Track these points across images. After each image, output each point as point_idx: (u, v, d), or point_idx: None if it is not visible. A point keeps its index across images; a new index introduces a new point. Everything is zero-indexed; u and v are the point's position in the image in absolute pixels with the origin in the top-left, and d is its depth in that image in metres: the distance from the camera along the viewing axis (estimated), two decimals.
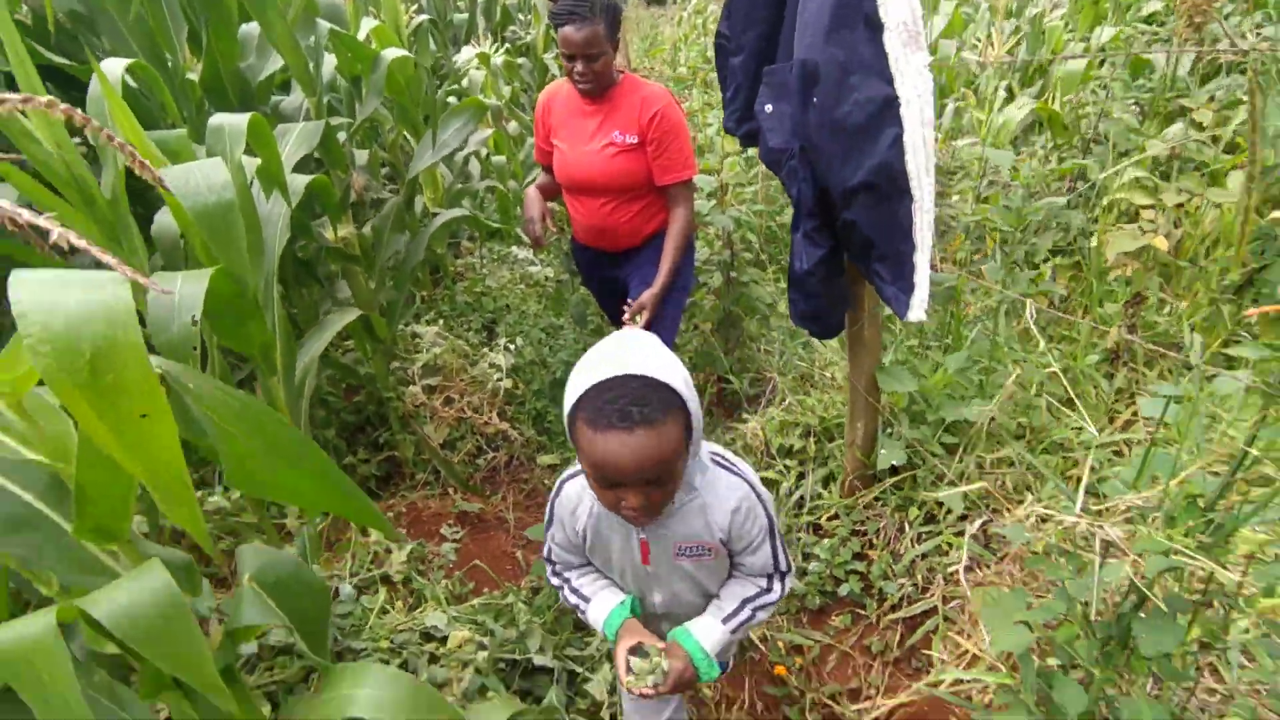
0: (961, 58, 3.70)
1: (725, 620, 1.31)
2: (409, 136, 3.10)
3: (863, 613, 2.08)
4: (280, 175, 1.63)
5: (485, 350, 3.11)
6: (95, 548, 0.78)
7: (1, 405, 0.68)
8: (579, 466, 1.27)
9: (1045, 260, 2.56)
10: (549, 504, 1.38)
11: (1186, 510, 0.80)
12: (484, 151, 4.11)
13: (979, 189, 2.34)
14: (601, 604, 1.37)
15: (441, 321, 3.24)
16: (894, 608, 2.03)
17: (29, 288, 0.55)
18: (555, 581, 1.44)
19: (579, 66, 2.09)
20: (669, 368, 1.10)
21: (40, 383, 0.71)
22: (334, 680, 0.87)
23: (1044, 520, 1.19)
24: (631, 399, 1.06)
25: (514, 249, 4.22)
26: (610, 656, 1.96)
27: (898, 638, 1.98)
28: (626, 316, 2.21)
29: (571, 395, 1.12)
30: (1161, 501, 0.85)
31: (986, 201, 2.37)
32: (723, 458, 1.29)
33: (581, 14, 2.02)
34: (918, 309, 1.49)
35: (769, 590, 1.33)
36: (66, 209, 1.20)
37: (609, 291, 2.62)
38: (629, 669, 1.25)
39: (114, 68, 1.45)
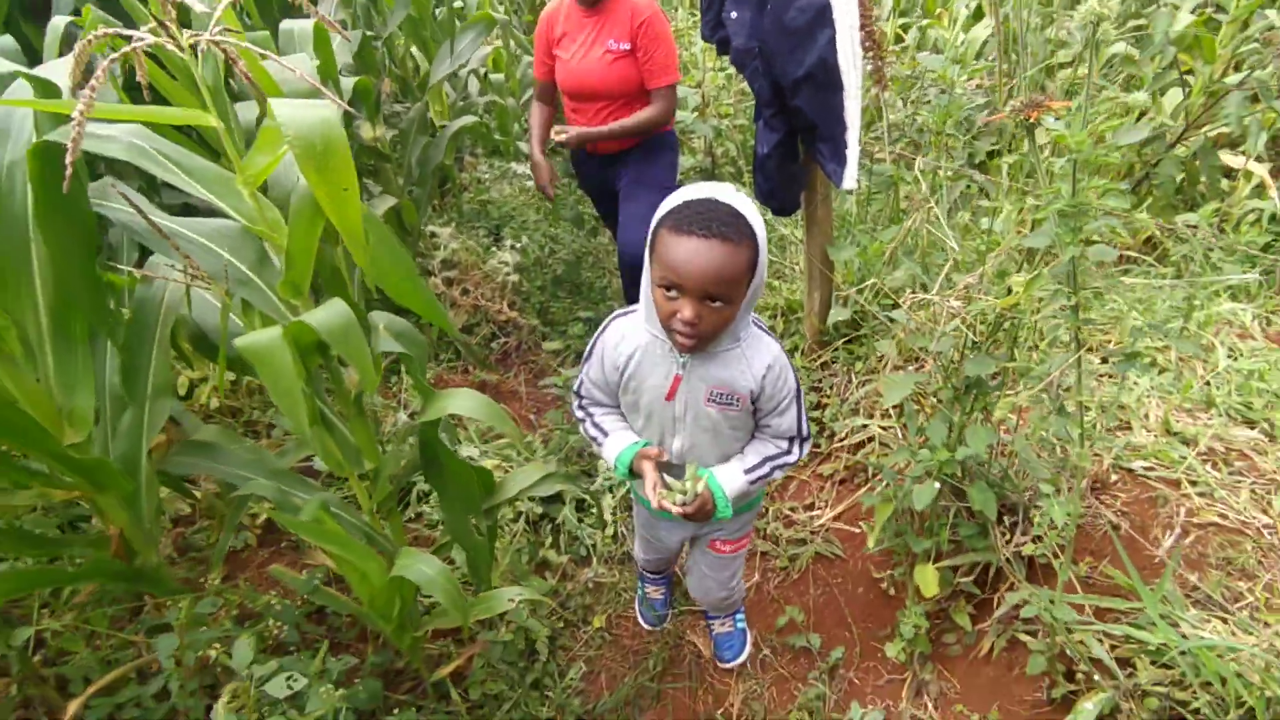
0: None
1: (747, 471, 1.40)
2: (415, 51, 3.44)
3: (818, 449, 2.57)
4: (335, 75, 2.00)
5: (494, 250, 3.52)
6: (286, 298, 1.22)
7: (244, 192, 1.11)
8: (631, 307, 1.40)
9: (986, 158, 2.98)
10: (592, 340, 1.45)
11: (997, 279, 1.24)
12: (482, 70, 4.42)
13: (921, 94, 2.73)
14: (618, 439, 1.44)
15: (453, 225, 3.64)
16: (842, 440, 2.52)
17: (285, 109, 0.97)
18: (579, 414, 1.52)
19: None
20: (754, 213, 1.18)
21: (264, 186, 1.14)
22: (437, 398, 1.34)
23: (921, 306, 1.64)
24: (716, 217, 1.14)
25: (513, 165, 4.57)
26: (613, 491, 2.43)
27: (843, 463, 2.48)
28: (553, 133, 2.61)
29: (660, 212, 1.21)
30: (982, 278, 1.30)
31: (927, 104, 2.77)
32: (761, 324, 1.36)
33: None
34: (849, 179, 1.91)
35: (789, 452, 1.42)
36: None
37: (604, 194, 2.99)
38: (664, 485, 1.35)
39: None
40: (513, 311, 3.34)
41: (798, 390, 1.39)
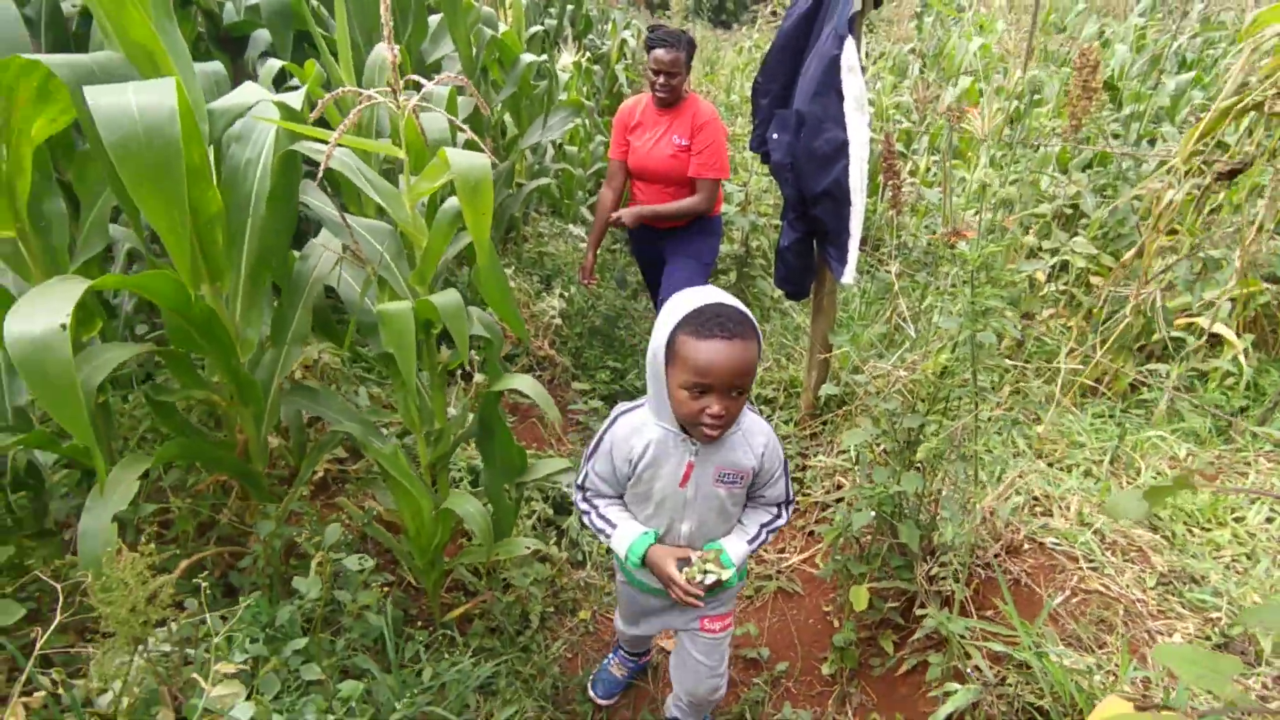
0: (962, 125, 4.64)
1: (749, 541, 1.56)
2: (507, 118, 4.08)
3: (798, 504, 2.97)
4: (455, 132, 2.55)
5: (544, 294, 4.04)
6: (413, 284, 1.71)
7: (407, 204, 1.61)
8: (633, 403, 1.53)
9: None
10: (598, 437, 1.55)
11: (935, 355, 1.70)
12: (558, 141, 5.08)
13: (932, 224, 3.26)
14: (627, 529, 1.54)
15: (512, 268, 4.18)
16: (816, 500, 2.92)
17: (455, 154, 1.48)
18: (584, 506, 1.61)
19: (661, 80, 2.96)
20: (749, 313, 1.35)
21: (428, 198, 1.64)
22: (503, 377, 1.80)
23: (879, 375, 2.08)
24: (731, 318, 1.28)
25: (570, 226, 5.17)
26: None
27: (814, 517, 2.87)
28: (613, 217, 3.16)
29: (671, 320, 1.32)
30: (925, 355, 1.75)
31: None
32: (751, 405, 1.52)
33: (671, 42, 2.93)
34: (849, 275, 2.40)
35: (779, 517, 1.60)
36: None
37: (652, 262, 3.52)
38: (689, 563, 1.48)
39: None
40: (551, 350, 3.83)
41: (785, 461, 1.56)
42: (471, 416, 1.97)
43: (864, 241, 2.52)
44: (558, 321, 3.89)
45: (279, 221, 1.63)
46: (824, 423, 3.09)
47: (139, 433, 1.99)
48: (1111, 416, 3.03)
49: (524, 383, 1.80)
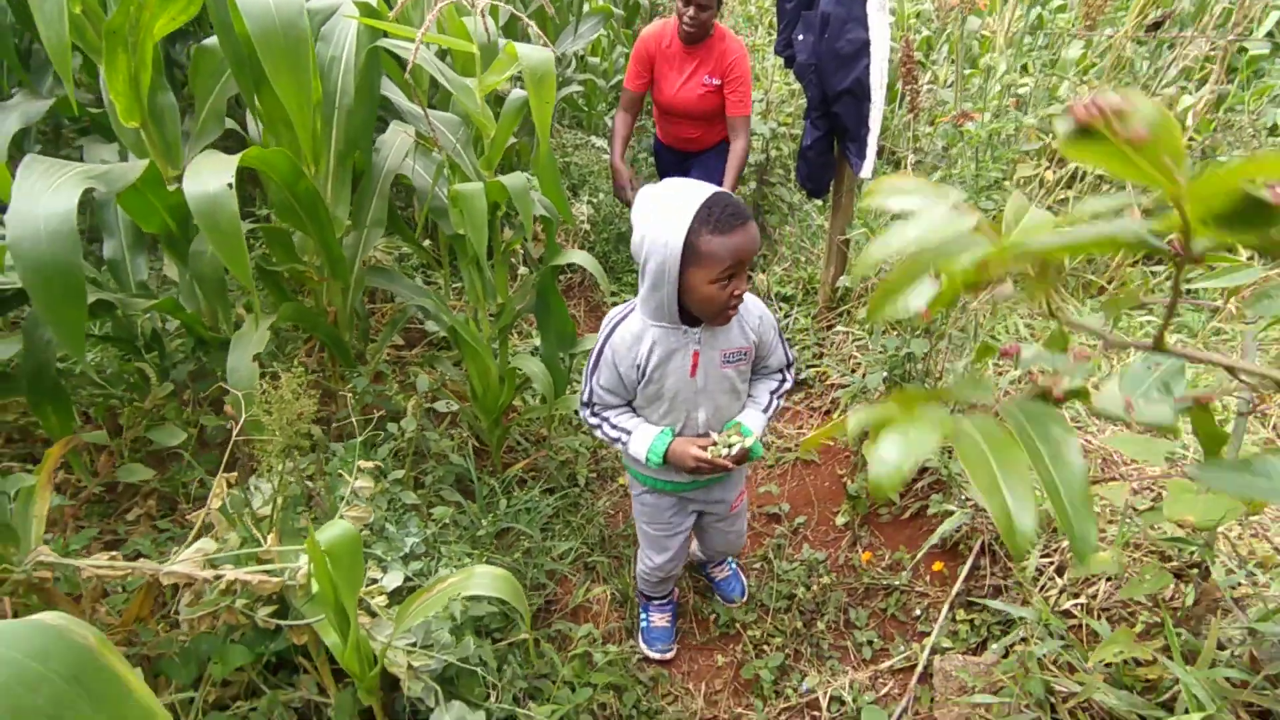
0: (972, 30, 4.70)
1: (764, 411, 1.67)
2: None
3: (813, 389, 3.26)
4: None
5: (572, 201, 4.25)
6: (483, 169, 1.95)
7: (478, 96, 1.83)
8: (624, 308, 1.60)
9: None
10: (596, 350, 1.59)
11: None
12: (581, 52, 5.17)
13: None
14: (644, 432, 1.60)
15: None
16: (832, 385, 3.20)
17: (524, 49, 1.69)
18: (593, 420, 1.66)
19: (691, 12, 2.82)
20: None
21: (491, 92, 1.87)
22: (559, 252, 2.07)
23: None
24: (736, 206, 1.37)
25: (592, 138, 5.32)
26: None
27: (830, 398, 3.16)
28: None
29: (680, 224, 1.35)
30: None
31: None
32: (769, 299, 1.84)
33: None
34: (867, 169, 2.61)
35: (784, 380, 1.72)
36: None
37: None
38: (714, 443, 1.57)
39: None
40: (581, 252, 4.07)
41: (777, 327, 1.66)
42: (530, 293, 2.24)
43: (881, 149, 2.71)
44: (586, 227, 4.11)
45: (363, 113, 1.87)
46: (840, 314, 3.35)
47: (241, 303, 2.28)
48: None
49: (580, 257, 2.07)
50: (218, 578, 1.31)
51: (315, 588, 1.30)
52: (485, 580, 1.26)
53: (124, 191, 1.52)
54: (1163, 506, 1.18)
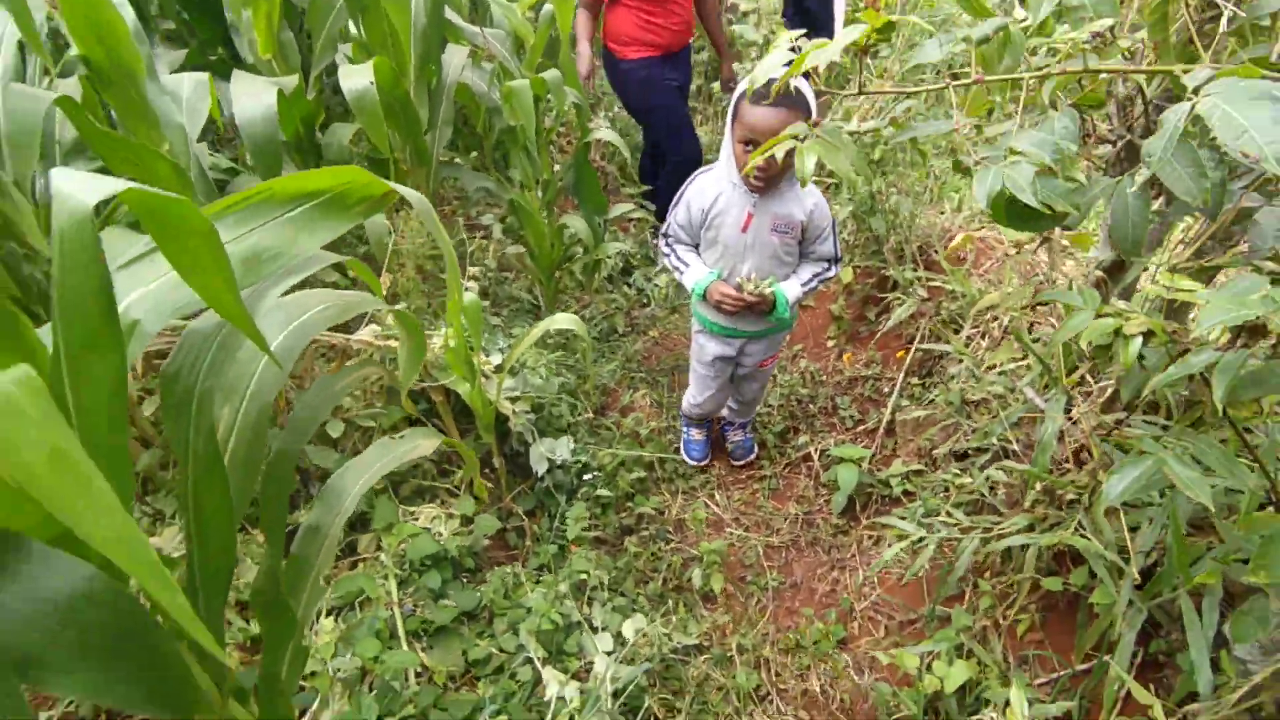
0: None
1: (803, 284, 1.94)
2: None
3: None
4: None
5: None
6: (526, 71, 2.57)
7: (519, 12, 2.44)
8: (711, 166, 1.89)
9: None
10: (680, 193, 1.93)
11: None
12: None
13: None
14: (697, 269, 1.96)
15: None
16: None
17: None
18: (665, 249, 2.04)
19: None
20: (808, 89, 1.55)
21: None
22: (590, 130, 2.70)
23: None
24: (781, 90, 1.35)
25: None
26: None
27: None
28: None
29: (741, 85, 1.63)
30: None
31: None
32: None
33: None
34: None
35: (829, 269, 1.98)
36: None
37: (677, 94, 3.54)
38: (739, 286, 1.89)
39: None
40: (602, 161, 4.67)
41: (834, 223, 1.91)
42: (569, 171, 2.88)
43: None
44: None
45: (434, 32, 2.49)
46: None
47: None
48: None
49: (606, 133, 2.70)
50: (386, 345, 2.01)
51: (453, 343, 1.98)
52: (562, 320, 1.93)
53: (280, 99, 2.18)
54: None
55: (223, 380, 0.95)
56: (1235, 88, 0.71)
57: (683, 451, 2.67)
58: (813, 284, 1.97)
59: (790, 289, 1.93)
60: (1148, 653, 1.46)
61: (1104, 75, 0.92)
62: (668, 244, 2.04)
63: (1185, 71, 0.79)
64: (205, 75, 1.92)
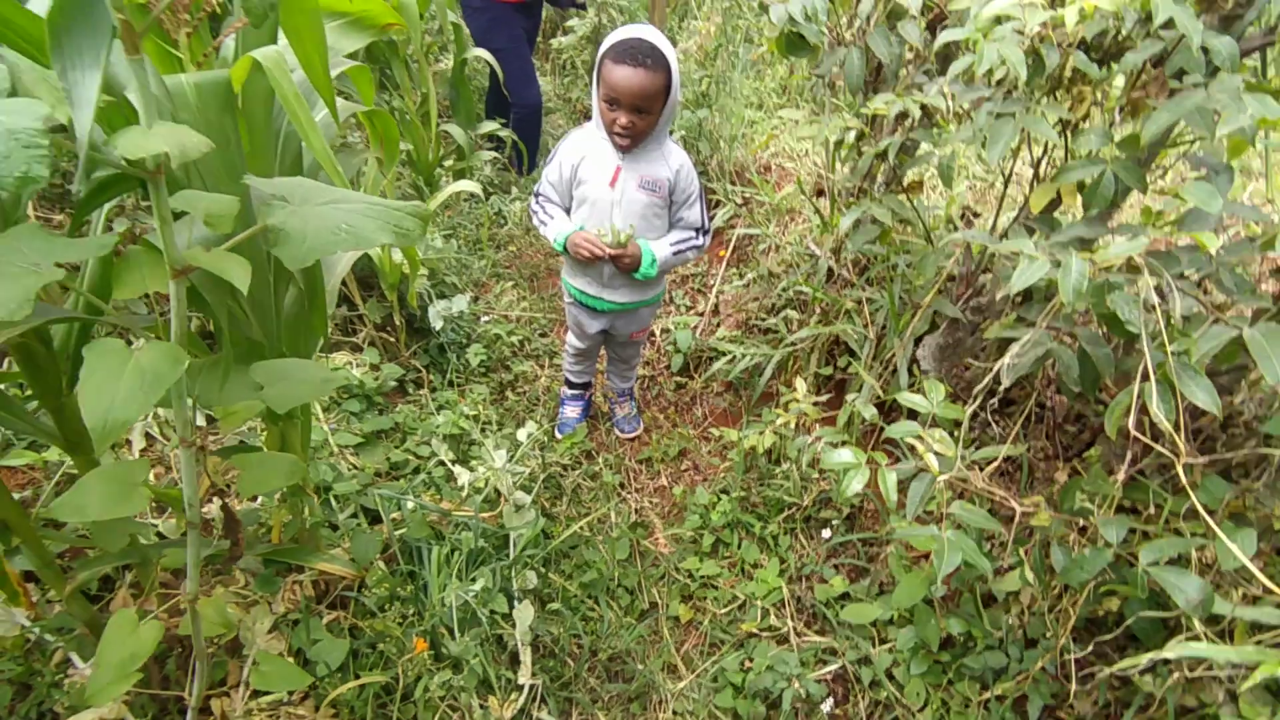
0: None
1: (671, 244, 1.94)
2: None
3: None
4: None
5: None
6: None
7: None
8: (585, 124, 1.90)
9: None
10: (553, 151, 1.94)
11: None
12: None
13: None
14: (561, 223, 1.94)
15: None
16: None
17: None
18: (535, 207, 2.02)
19: None
20: (670, 50, 1.66)
21: None
22: (466, 50, 3.08)
23: None
24: (642, 50, 1.59)
25: None
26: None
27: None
28: None
29: (603, 46, 1.66)
30: None
31: None
32: (676, 141, 2.01)
33: None
34: None
35: (697, 238, 1.99)
36: None
37: (524, 39, 3.54)
38: (603, 233, 1.86)
39: None
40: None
41: (701, 191, 1.94)
42: (445, 83, 3.23)
43: None
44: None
45: None
46: None
47: None
48: None
49: (481, 52, 3.09)
50: None
51: None
52: (464, 185, 2.35)
53: None
54: None
55: None
56: None
57: (556, 430, 2.59)
58: (683, 249, 1.97)
59: (657, 247, 1.94)
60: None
61: None
62: (538, 201, 2.04)
63: None
64: None
